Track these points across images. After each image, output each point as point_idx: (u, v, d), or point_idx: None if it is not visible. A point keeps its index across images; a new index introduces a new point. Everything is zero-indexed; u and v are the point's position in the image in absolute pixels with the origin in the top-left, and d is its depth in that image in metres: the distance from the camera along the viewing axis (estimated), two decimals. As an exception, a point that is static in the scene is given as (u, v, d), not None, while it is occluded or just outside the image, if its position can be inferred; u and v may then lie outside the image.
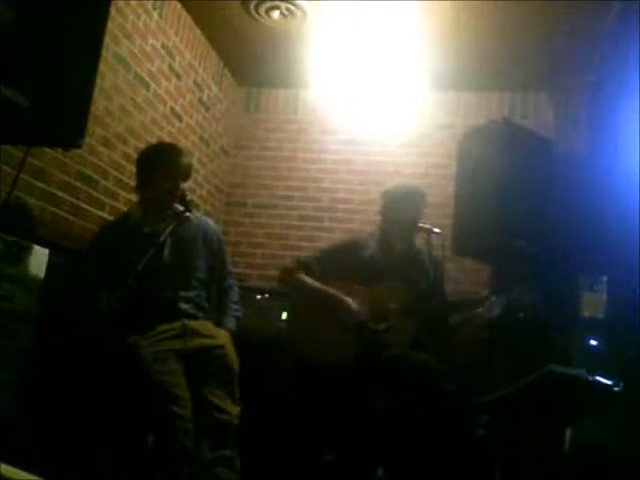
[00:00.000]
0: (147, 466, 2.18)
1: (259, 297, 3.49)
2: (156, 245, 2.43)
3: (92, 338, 2.32)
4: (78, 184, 2.94)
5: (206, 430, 2.20)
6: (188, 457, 2.10)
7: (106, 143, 3.16)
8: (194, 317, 2.48)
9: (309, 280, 2.78)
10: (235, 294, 2.75)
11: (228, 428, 2.25)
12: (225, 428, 2.24)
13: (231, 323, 2.62)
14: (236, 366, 2.41)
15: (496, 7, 3.41)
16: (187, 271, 2.55)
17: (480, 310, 2.63)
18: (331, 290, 2.73)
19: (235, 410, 2.30)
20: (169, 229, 2.50)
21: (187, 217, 2.59)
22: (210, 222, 2.79)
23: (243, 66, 4.48)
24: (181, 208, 2.57)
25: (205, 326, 2.48)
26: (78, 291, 2.47)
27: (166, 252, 2.50)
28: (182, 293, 2.49)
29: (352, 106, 4.57)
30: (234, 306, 2.71)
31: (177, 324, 2.40)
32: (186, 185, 2.60)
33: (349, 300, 2.69)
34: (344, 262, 2.83)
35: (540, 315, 2.85)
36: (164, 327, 2.37)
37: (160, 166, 2.55)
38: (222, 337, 2.47)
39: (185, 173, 2.59)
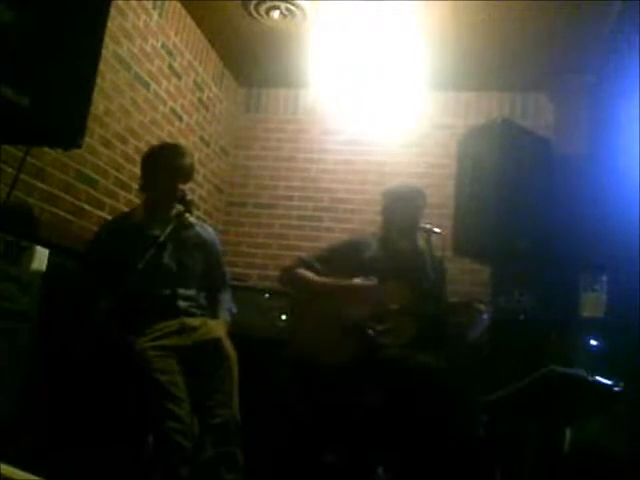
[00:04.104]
0: (147, 466, 2.18)
1: (259, 297, 3.48)
2: (156, 245, 2.45)
3: (92, 337, 2.33)
4: (78, 184, 2.94)
5: (208, 428, 2.20)
6: (186, 458, 2.10)
7: (106, 143, 3.16)
8: (192, 315, 2.49)
9: (312, 275, 2.78)
10: (229, 297, 2.79)
11: (230, 425, 2.25)
12: (227, 425, 2.24)
13: (226, 316, 2.65)
14: (234, 358, 2.41)
15: (496, 7, 3.41)
16: (186, 272, 2.57)
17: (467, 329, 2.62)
18: (336, 281, 2.72)
19: (235, 405, 2.31)
20: (168, 229, 2.51)
21: (191, 223, 2.66)
22: (211, 231, 2.84)
23: (243, 66, 4.48)
24: (182, 208, 2.59)
25: (202, 322, 2.50)
26: (78, 290, 2.48)
27: (166, 253, 2.53)
28: (181, 291, 2.52)
29: (352, 106, 4.57)
30: (228, 304, 2.75)
31: (175, 322, 2.41)
32: (187, 186, 2.61)
33: (361, 282, 2.68)
34: (345, 261, 2.82)
35: (540, 316, 2.85)
36: (162, 324, 2.38)
37: (160, 166, 2.58)
38: (219, 330, 2.49)
39: (185, 174, 2.60)
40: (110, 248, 2.49)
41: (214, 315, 2.61)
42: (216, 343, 2.40)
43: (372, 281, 2.67)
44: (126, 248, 2.44)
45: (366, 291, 2.66)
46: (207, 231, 2.79)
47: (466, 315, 2.61)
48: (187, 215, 2.61)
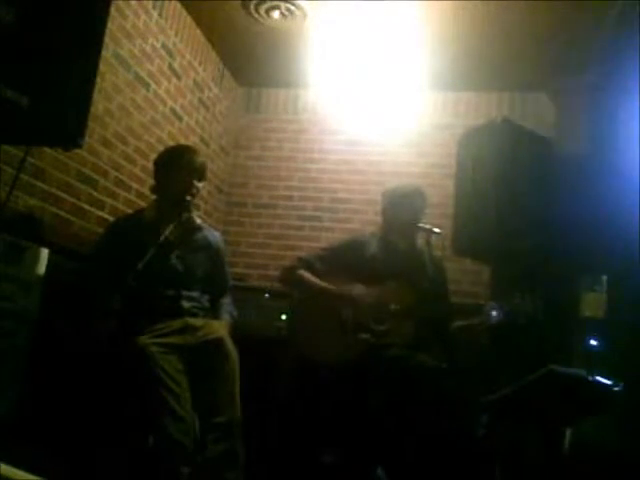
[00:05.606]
0: (147, 466, 2.18)
1: (259, 297, 3.49)
2: (158, 245, 2.46)
3: (92, 336, 2.33)
4: (78, 184, 2.94)
5: (210, 426, 2.20)
6: (188, 457, 2.10)
7: (106, 143, 3.16)
8: (195, 316, 2.50)
9: (310, 277, 2.78)
10: (230, 302, 2.80)
11: (231, 424, 2.25)
12: (228, 424, 2.24)
13: (227, 318, 2.67)
14: (236, 358, 2.42)
15: (496, 7, 3.41)
16: (191, 273, 2.59)
17: (480, 317, 2.63)
18: (330, 287, 2.73)
19: (237, 404, 2.31)
20: (169, 229, 2.53)
21: (199, 225, 2.70)
22: (218, 236, 2.86)
23: (243, 66, 4.48)
24: (188, 210, 2.62)
25: (205, 322, 2.51)
26: (81, 289, 2.49)
27: (173, 253, 2.56)
28: (184, 292, 2.53)
29: (352, 106, 4.58)
30: (229, 307, 2.76)
31: (179, 321, 2.42)
32: (200, 184, 2.64)
33: (348, 292, 2.68)
34: (346, 261, 2.82)
35: (540, 317, 2.85)
36: (166, 323, 2.39)
37: (177, 165, 2.60)
38: (220, 330, 2.49)
39: (201, 172, 2.65)
40: (118, 247, 2.50)
41: (216, 317, 2.63)
42: (218, 343, 2.40)
43: (370, 291, 2.68)
44: (136, 247, 2.46)
45: (357, 305, 2.67)
46: (214, 235, 2.81)
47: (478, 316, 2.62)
48: (190, 215, 2.64)
